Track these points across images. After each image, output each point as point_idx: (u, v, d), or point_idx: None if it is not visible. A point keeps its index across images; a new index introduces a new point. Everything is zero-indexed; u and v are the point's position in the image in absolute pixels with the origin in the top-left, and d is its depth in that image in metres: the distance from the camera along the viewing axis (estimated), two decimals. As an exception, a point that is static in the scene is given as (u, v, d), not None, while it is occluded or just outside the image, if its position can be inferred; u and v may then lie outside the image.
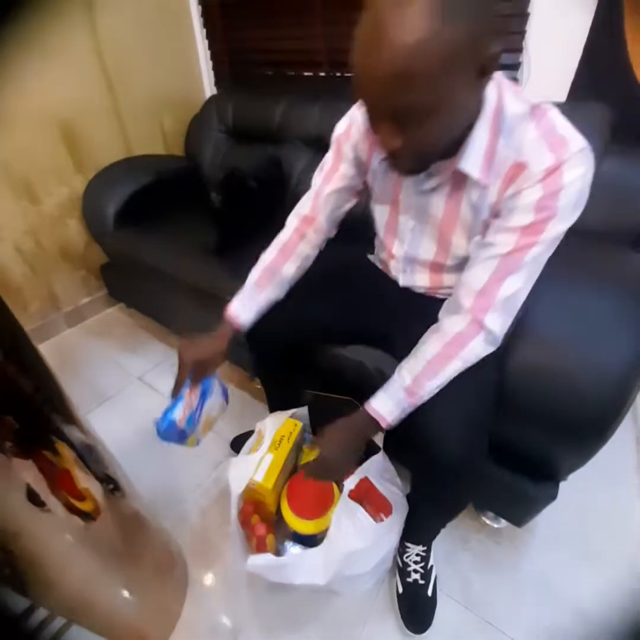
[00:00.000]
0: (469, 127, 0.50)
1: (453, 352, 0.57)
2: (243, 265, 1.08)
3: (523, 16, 1.01)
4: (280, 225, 0.77)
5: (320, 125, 1.28)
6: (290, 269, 0.74)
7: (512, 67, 1.07)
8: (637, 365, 0.61)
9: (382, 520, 0.71)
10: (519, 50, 1.04)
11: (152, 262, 1.23)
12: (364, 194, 0.73)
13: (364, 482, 0.74)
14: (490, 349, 0.58)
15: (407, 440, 0.64)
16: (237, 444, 0.90)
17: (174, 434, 0.77)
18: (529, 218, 0.51)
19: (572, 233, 0.59)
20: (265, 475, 0.75)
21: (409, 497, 0.77)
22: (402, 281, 0.75)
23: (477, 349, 0.57)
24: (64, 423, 0.62)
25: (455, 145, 0.52)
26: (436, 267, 0.69)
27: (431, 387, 0.58)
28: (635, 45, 0.94)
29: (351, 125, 0.66)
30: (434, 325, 0.62)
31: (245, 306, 0.73)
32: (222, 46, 1.58)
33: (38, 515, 0.55)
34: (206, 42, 1.62)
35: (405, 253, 0.71)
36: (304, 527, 0.75)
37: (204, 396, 0.79)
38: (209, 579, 0.86)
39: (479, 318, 0.56)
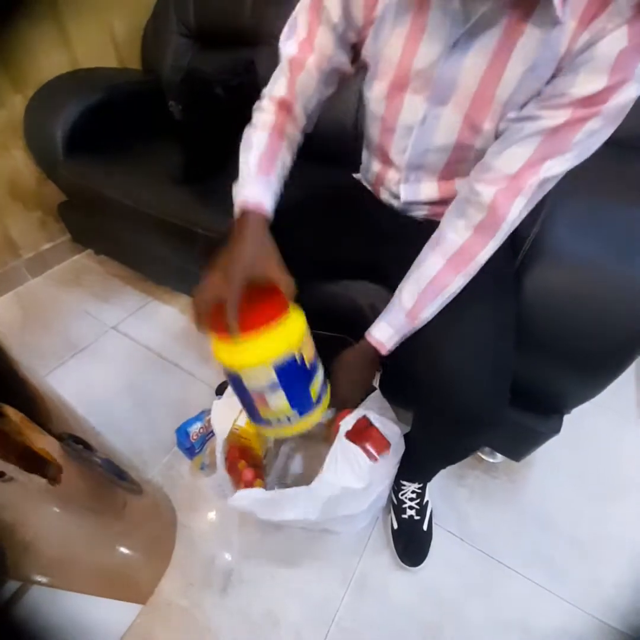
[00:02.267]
0: None
1: (459, 267, 0.49)
2: (214, 193, 0.95)
3: None
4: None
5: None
6: (287, 157, 0.58)
7: None
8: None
9: (378, 459, 0.67)
10: None
11: (112, 195, 1.07)
12: (347, 76, 0.55)
13: (363, 421, 0.69)
14: (500, 240, 0.49)
15: (419, 386, 0.57)
16: (223, 390, 0.84)
17: (185, 444, 0.85)
18: (601, 82, 0.37)
19: (608, 143, 0.47)
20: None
21: (408, 438, 0.72)
22: (404, 195, 0.60)
23: (488, 254, 0.49)
24: (9, 385, 0.55)
25: None
26: (449, 171, 0.54)
27: (432, 308, 0.52)
28: None
29: None
30: (434, 236, 0.51)
31: (260, 192, 0.52)
32: None
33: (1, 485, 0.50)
34: None
35: (410, 155, 0.54)
36: (232, 355, 0.48)
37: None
38: (199, 523, 0.83)
39: (501, 212, 0.45)
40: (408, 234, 0.62)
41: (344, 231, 0.67)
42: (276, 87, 0.55)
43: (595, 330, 0.55)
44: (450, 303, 0.52)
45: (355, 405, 0.67)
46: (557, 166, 0.43)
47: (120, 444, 0.81)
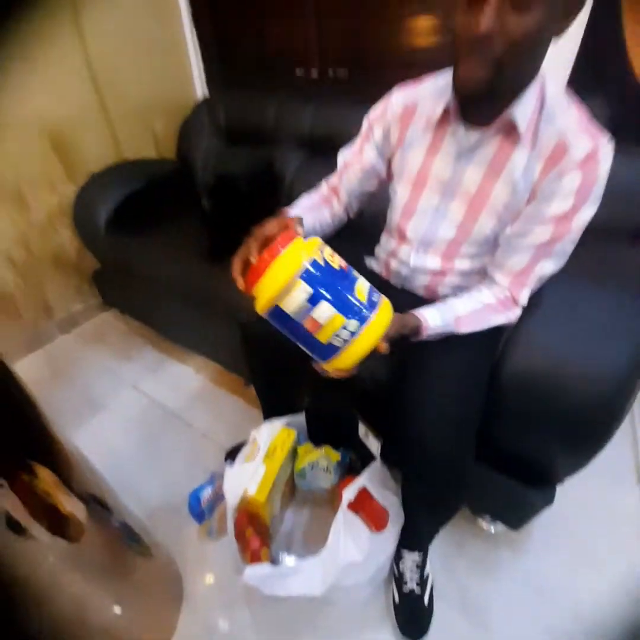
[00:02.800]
0: (521, 86, 0.54)
1: (505, 308, 0.65)
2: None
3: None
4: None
5: (314, 127, 1.27)
6: (326, 217, 0.77)
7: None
8: (635, 366, 0.60)
9: (380, 531, 0.71)
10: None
11: (145, 268, 1.22)
12: (384, 181, 0.76)
13: (363, 493, 0.73)
14: (517, 316, 0.66)
15: (401, 439, 0.66)
16: (233, 456, 0.89)
17: (196, 509, 0.88)
18: (568, 204, 0.55)
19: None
20: (259, 487, 0.74)
21: (403, 503, 0.76)
22: (413, 261, 0.74)
23: (515, 316, 0.66)
24: (44, 445, 0.60)
25: (504, 100, 0.55)
26: (450, 252, 0.70)
27: (474, 327, 0.64)
28: (634, 43, 0.92)
29: (387, 110, 0.69)
30: (484, 287, 0.67)
31: (293, 212, 0.71)
32: (213, 46, 1.56)
33: (21, 543, 0.53)
34: (197, 43, 1.60)
35: (423, 234, 0.71)
36: (265, 293, 0.51)
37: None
38: (204, 590, 0.85)
39: (516, 295, 0.65)
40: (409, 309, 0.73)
41: None
42: (331, 177, 0.80)
43: (569, 409, 0.61)
44: (430, 370, 0.65)
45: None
46: (547, 267, 0.62)
47: (134, 504, 0.85)
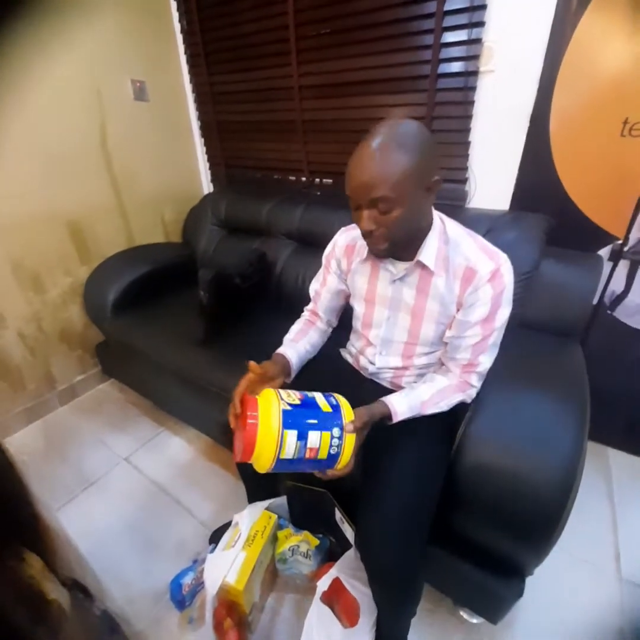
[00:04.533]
0: (423, 236, 0.71)
1: (455, 392, 0.75)
2: (224, 356, 1.18)
3: (465, 144, 1.20)
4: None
5: (302, 223, 1.44)
6: (314, 337, 0.93)
7: (461, 182, 1.25)
8: (576, 461, 0.67)
9: (352, 626, 0.72)
10: (464, 169, 1.23)
11: (144, 347, 1.32)
12: (349, 295, 0.91)
13: (336, 583, 0.75)
14: (474, 394, 0.76)
15: (357, 536, 0.71)
16: (217, 538, 0.92)
17: (177, 596, 0.89)
18: (487, 309, 0.69)
19: (520, 325, 0.71)
20: (238, 575, 0.77)
21: (373, 595, 0.78)
22: (378, 362, 0.85)
23: (471, 395, 0.76)
24: (32, 529, 0.62)
25: (415, 246, 0.71)
26: (408, 351, 0.82)
27: (436, 409, 0.74)
28: (562, 162, 1.12)
29: (334, 247, 0.88)
30: (440, 374, 0.78)
31: (287, 349, 0.85)
32: (218, 153, 1.82)
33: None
34: (204, 148, 1.86)
35: (382, 339, 0.83)
36: (264, 458, 0.59)
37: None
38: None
39: (468, 381, 0.75)
40: (376, 399, 0.82)
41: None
42: (310, 304, 0.97)
43: (516, 503, 0.66)
44: (387, 477, 0.70)
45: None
46: (485, 359, 0.73)
47: (116, 587, 0.86)
